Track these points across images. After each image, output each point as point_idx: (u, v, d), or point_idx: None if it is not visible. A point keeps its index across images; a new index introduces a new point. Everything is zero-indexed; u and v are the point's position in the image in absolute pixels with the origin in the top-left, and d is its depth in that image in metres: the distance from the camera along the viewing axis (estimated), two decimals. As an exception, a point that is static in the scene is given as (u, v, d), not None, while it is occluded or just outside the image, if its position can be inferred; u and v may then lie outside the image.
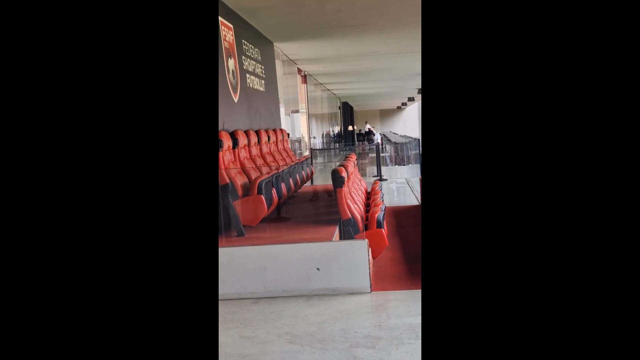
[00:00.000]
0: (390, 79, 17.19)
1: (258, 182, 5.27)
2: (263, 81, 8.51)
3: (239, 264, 4.24)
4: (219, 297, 3.79)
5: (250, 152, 6.73)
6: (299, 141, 12.80)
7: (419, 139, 15.73)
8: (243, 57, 7.45)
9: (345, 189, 5.57)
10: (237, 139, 6.23)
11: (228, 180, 5.31)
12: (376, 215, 5.43)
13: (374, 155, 14.57)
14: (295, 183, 6.95)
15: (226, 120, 6.35)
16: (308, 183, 9.25)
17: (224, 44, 6.58)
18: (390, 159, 17.40)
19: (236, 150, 6.21)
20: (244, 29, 7.62)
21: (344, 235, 5.32)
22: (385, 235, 5.35)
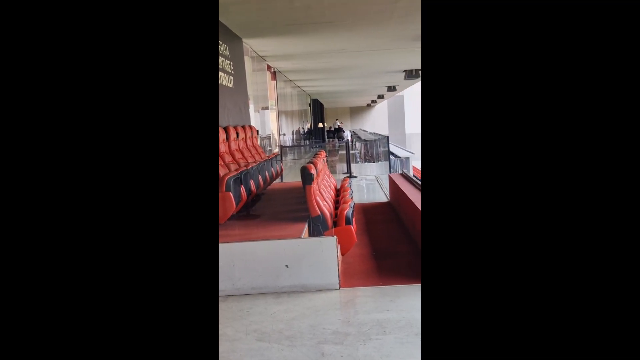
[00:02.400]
0: (359, 76, 17.25)
1: (226, 179, 5.24)
2: (232, 77, 8.45)
3: (207, 262, 4.20)
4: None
5: (218, 149, 6.68)
6: (269, 138, 12.76)
7: (387, 137, 15.85)
8: (211, 53, 7.37)
9: (314, 186, 5.57)
10: (205, 135, 6.17)
11: (196, 178, 5.26)
12: (345, 212, 5.45)
13: (344, 152, 14.62)
14: (265, 180, 6.92)
15: (194, 117, 6.28)
16: (278, 180, 9.23)
17: (192, 40, 6.50)
18: (360, 156, 17.48)
19: (204, 147, 6.15)
20: (212, 24, 7.53)
21: (313, 232, 5.33)
22: (354, 232, 5.37)
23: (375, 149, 16.12)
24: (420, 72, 15.57)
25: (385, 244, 5.96)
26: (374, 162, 15.53)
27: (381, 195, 10.12)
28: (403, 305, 3.80)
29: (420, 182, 8.38)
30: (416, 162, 24.29)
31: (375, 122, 34.46)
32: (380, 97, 28.75)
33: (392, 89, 23.35)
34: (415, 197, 6.50)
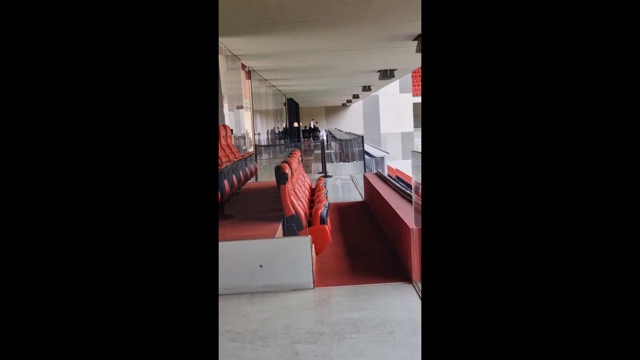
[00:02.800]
0: (334, 76, 17.28)
1: (200, 179, 5.19)
2: (206, 76, 8.38)
3: (180, 262, 4.16)
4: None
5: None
6: (244, 137, 12.69)
7: (362, 136, 15.92)
8: (185, 51, 7.29)
9: (289, 185, 5.57)
10: (178, 135, 6.10)
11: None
12: (320, 212, 5.46)
13: (320, 152, 14.64)
14: (239, 179, 6.89)
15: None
16: (252, 180, 9.20)
17: (165, 38, 6.43)
18: (335, 155, 17.52)
19: (178, 146, 6.09)
20: (185, 23, 7.45)
21: (288, 232, 5.32)
22: (328, 232, 5.38)
23: (351, 149, 16.17)
24: (394, 72, 15.67)
25: (359, 243, 5.98)
26: (349, 161, 15.57)
27: (356, 195, 10.16)
28: (377, 304, 3.82)
29: (394, 182, 8.43)
30: (391, 162, 24.42)
31: (351, 122, 34.57)
32: (356, 96, 28.84)
33: (367, 88, 23.45)
34: (390, 196, 6.54)
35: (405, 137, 34.22)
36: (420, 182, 4.44)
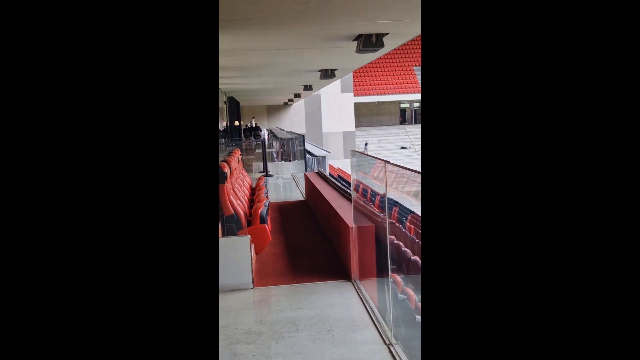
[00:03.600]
0: (275, 74, 17.22)
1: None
2: (142, 74, 8.18)
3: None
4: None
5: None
6: (183, 137, 12.48)
7: (303, 135, 15.96)
8: (119, 48, 7.09)
9: (227, 184, 5.51)
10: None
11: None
12: (259, 211, 5.43)
13: (261, 151, 14.57)
14: (177, 180, 6.76)
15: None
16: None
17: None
18: (276, 154, 17.48)
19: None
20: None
21: (227, 232, 5.26)
22: (268, 231, 5.36)
23: (292, 148, 16.17)
24: (335, 71, 15.78)
25: (300, 242, 5.99)
26: (290, 160, 15.58)
27: (297, 194, 10.18)
28: (316, 302, 3.84)
29: (335, 181, 8.49)
30: (332, 161, 24.57)
31: (293, 121, 34.58)
32: (297, 96, 28.86)
33: (308, 88, 23.50)
34: (330, 195, 6.58)
35: (347, 136, 34.55)
36: (359, 180, 4.49)
